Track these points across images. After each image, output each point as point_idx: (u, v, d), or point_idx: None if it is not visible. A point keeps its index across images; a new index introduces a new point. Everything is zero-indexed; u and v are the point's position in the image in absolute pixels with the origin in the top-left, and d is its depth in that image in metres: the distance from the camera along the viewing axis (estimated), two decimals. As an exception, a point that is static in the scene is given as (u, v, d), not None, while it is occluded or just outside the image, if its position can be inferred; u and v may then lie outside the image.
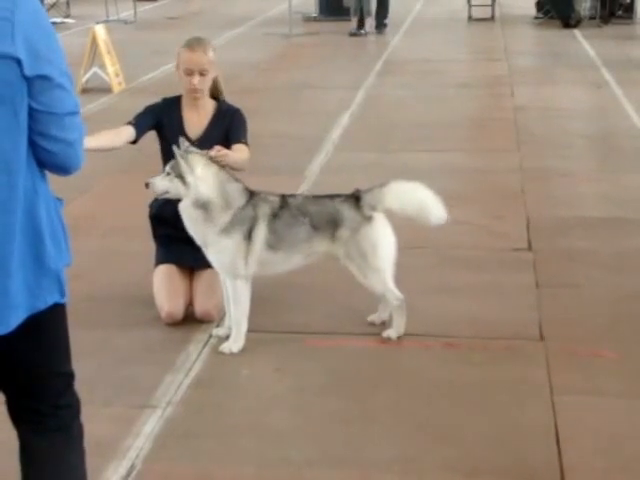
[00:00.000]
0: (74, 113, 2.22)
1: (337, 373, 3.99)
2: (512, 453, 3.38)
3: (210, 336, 4.31)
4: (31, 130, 2.16)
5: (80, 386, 2.50)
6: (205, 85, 4.42)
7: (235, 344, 4.14)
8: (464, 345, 4.21)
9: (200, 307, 4.42)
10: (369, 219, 4.14)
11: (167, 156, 4.30)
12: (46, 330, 2.32)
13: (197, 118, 4.48)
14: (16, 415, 2.44)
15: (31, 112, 2.14)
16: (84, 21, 15.11)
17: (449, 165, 7.18)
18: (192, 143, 4.29)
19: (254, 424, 3.59)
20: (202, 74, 4.36)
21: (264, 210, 4.09)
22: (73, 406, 2.48)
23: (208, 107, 4.50)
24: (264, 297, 4.55)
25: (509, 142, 7.91)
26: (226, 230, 4.04)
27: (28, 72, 2.09)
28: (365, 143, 7.96)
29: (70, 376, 2.46)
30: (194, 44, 4.40)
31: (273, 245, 4.11)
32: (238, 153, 4.28)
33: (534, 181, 6.72)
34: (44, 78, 2.12)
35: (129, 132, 4.31)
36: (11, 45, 2.05)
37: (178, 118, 4.46)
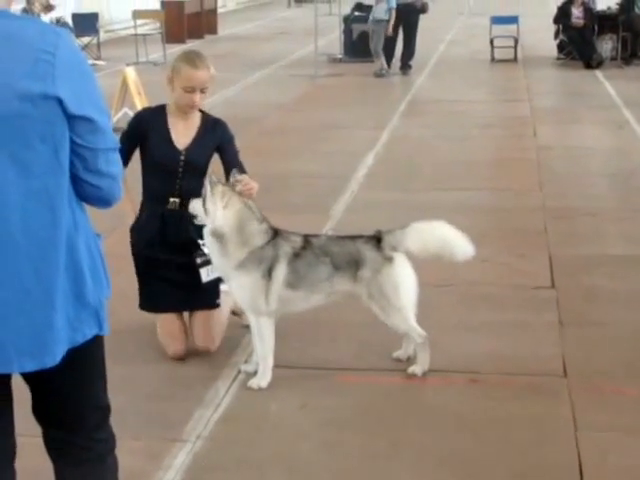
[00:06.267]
0: (115, 149, 2.30)
1: (363, 409, 4.05)
2: (536, 488, 3.42)
3: (239, 372, 4.38)
4: (76, 167, 2.23)
5: (111, 419, 2.55)
6: (203, 100, 4.43)
7: (263, 380, 4.21)
8: (488, 381, 4.26)
9: (199, 343, 4.57)
10: (390, 259, 4.20)
11: (150, 172, 4.42)
12: (85, 363, 2.38)
13: (184, 129, 4.47)
14: (52, 448, 2.48)
15: (77, 149, 2.21)
16: (114, 63, 15.34)
17: (472, 204, 7.24)
18: (180, 153, 4.39)
19: (281, 459, 3.65)
20: (203, 91, 4.38)
21: (285, 249, 4.15)
22: (109, 440, 2.52)
23: (195, 117, 4.50)
24: (291, 333, 4.61)
25: (532, 181, 7.98)
26: (242, 266, 4.10)
27: (71, 111, 2.16)
28: (389, 182, 8.05)
29: (107, 409, 2.51)
30: (196, 61, 4.33)
31: (293, 284, 4.17)
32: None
33: (557, 220, 6.78)
34: (87, 120, 2.20)
35: None
36: (52, 86, 2.13)
37: (164, 128, 4.45)
